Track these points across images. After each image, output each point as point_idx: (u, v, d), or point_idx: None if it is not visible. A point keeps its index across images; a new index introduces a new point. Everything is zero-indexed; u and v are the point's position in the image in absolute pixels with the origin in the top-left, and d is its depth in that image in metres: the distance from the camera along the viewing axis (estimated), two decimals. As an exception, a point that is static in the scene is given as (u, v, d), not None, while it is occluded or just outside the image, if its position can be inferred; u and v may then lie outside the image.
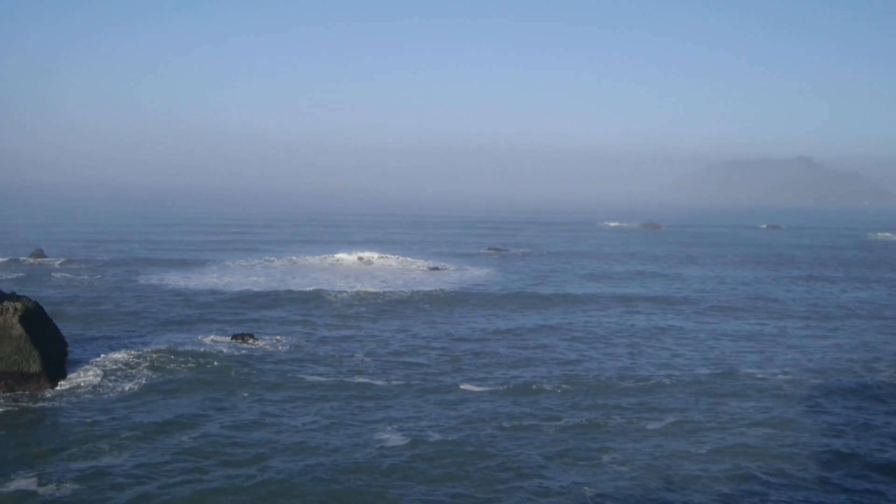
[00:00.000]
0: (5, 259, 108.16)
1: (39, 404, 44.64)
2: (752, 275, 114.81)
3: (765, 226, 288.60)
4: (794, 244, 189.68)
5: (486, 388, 49.60)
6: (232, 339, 61.42)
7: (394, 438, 40.19)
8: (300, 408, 44.87)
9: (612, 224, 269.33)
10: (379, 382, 50.51)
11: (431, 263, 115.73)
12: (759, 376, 53.58)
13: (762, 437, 41.31)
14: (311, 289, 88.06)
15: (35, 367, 47.83)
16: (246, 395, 47.05)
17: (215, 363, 53.86)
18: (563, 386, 50.06)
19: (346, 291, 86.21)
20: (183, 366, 52.77)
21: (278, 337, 63.14)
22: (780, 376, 53.71)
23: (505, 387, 49.89)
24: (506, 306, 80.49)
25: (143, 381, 49.02)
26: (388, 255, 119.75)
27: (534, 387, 49.88)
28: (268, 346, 59.88)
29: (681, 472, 36.38)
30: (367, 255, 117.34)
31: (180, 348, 57.99)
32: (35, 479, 33.83)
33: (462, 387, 49.93)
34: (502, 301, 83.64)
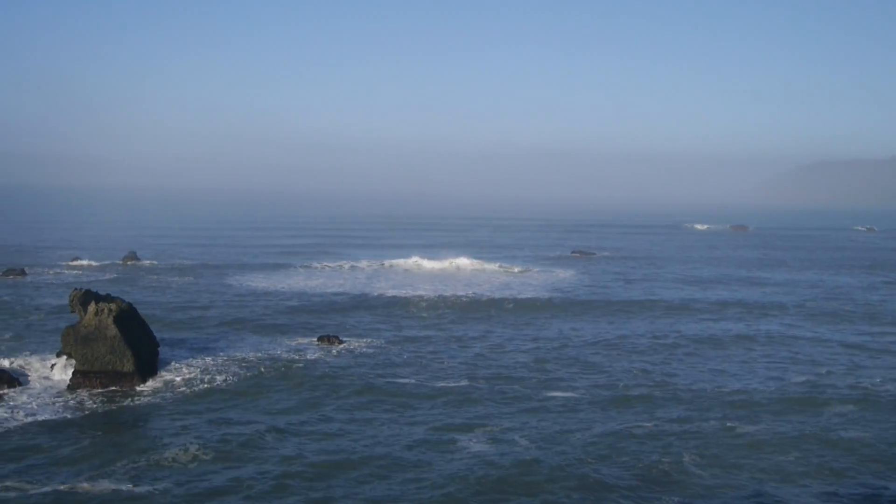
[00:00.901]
0: (100, 261, 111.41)
1: (131, 403, 45.46)
2: (849, 280, 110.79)
3: (863, 228, 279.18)
4: (891, 247, 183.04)
5: (575, 395, 48.65)
6: (318, 341, 61.76)
7: (479, 445, 39.63)
8: (384, 412, 44.63)
9: (700, 226, 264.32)
10: (464, 385, 50.05)
11: (516, 267, 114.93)
12: (864, 386, 51.38)
13: (856, 456, 39.54)
14: (398, 292, 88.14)
15: (128, 366, 48.79)
16: (331, 397, 47.04)
17: (301, 365, 54.15)
18: (655, 394, 48.64)
19: (431, 295, 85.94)
20: (270, 368, 53.14)
21: (364, 340, 63.24)
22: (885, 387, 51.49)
23: (593, 394, 48.86)
24: (592, 311, 79.11)
25: (231, 383, 49.49)
26: (473, 259, 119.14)
27: (623, 394, 48.71)
28: (354, 349, 60.01)
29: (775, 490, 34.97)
30: (453, 260, 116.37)
31: (267, 350, 58.54)
32: (128, 478, 34.28)
33: (549, 393, 49.09)
34: (588, 305, 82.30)
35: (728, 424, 42.62)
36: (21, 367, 51.57)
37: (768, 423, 43.10)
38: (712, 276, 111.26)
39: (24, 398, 45.47)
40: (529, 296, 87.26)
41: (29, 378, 49.47)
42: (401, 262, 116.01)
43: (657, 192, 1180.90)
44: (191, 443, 38.53)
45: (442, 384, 50.29)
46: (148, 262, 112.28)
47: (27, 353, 55.31)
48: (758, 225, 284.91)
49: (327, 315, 73.80)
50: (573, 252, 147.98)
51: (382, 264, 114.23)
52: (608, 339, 65.52)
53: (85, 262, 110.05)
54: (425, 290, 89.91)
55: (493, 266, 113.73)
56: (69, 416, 42.72)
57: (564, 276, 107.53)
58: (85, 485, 33.41)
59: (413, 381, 50.77)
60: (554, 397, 47.77)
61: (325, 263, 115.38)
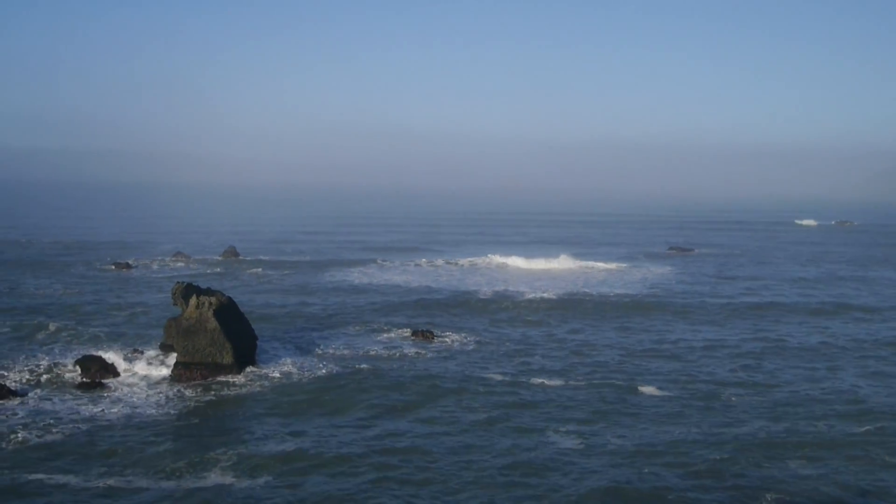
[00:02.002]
0: (202, 256, 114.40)
1: (231, 395, 46.36)
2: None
3: None
4: None
5: (670, 394, 47.63)
6: (413, 335, 61.99)
7: (568, 441, 39.27)
8: (476, 406, 44.45)
9: (807, 222, 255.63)
10: (557, 383, 49.50)
11: (612, 263, 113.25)
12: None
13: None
14: (493, 289, 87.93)
15: (227, 358, 49.79)
16: (424, 391, 47.11)
17: (397, 362, 54.46)
18: (756, 399, 47.14)
19: (527, 291, 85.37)
20: (367, 363, 53.54)
21: (458, 335, 63.21)
22: None
23: (689, 393, 47.74)
24: (690, 309, 77.30)
25: (329, 378, 49.97)
26: (569, 255, 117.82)
27: (720, 395, 47.47)
28: (449, 345, 60.05)
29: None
30: (550, 259, 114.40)
31: (363, 346, 59.08)
32: (229, 470, 34.94)
33: (642, 389, 48.22)
34: (685, 304, 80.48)
35: (836, 430, 41.16)
36: (125, 357, 53.16)
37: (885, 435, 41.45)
38: (817, 275, 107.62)
39: (126, 389, 46.84)
40: (625, 293, 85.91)
41: (132, 369, 50.94)
42: (497, 258, 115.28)
43: (764, 188, 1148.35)
44: (289, 436, 39.05)
45: (539, 381, 49.89)
46: (248, 257, 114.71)
47: (131, 344, 57.03)
48: (867, 221, 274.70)
49: (423, 310, 73.98)
50: (670, 248, 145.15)
51: (479, 261, 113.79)
52: (707, 339, 63.97)
53: (187, 257, 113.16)
54: (521, 287, 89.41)
55: (589, 263, 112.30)
56: (170, 407, 43.80)
57: (661, 273, 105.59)
58: (186, 476, 34.16)
59: (508, 378, 50.45)
60: (649, 397, 46.86)
61: (422, 260, 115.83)
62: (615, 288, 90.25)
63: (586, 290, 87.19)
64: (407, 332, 63.30)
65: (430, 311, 74.07)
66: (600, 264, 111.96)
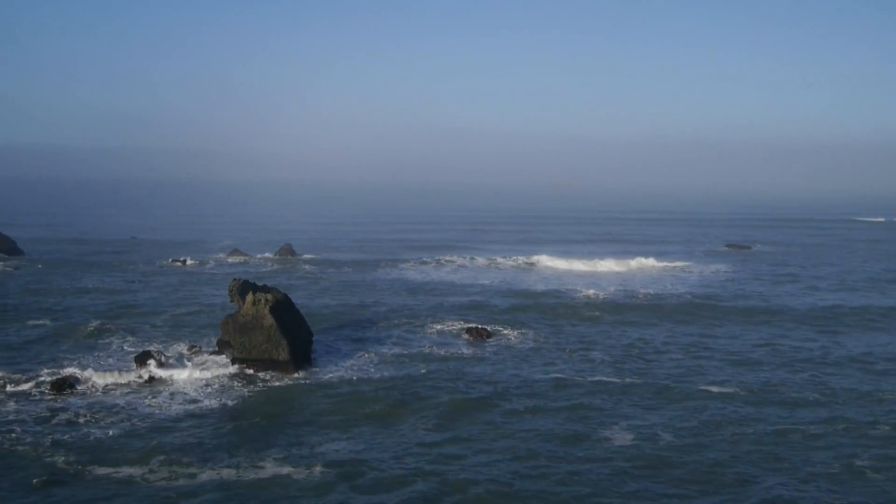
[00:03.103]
0: (258, 253, 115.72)
1: (286, 391, 46.82)
2: None
3: None
4: None
5: (729, 390, 47.06)
6: (467, 334, 61.99)
7: (622, 437, 39.07)
8: (533, 402, 44.30)
9: (873, 219, 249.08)
10: (614, 380, 49.18)
11: (667, 262, 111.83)
12: None
13: None
14: (545, 286, 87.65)
15: (283, 354, 50.26)
16: (477, 388, 47.10)
17: (452, 359, 54.53)
18: (816, 397, 46.39)
19: (580, 290, 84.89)
20: (420, 361, 53.73)
21: (514, 333, 63.07)
22: None
23: (749, 391, 47.08)
24: (748, 310, 76.08)
25: (383, 377, 50.20)
26: (619, 253, 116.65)
27: (782, 394, 46.74)
28: (503, 343, 59.95)
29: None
30: (600, 258, 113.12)
31: (419, 344, 59.26)
32: (286, 463, 35.34)
33: (702, 387, 47.68)
34: (745, 303, 79.33)
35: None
36: (183, 353, 54.05)
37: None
38: (883, 276, 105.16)
39: (184, 384, 47.54)
40: (683, 292, 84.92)
41: (190, 364, 51.72)
42: (547, 257, 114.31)
43: (818, 184, 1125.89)
44: (343, 434, 39.32)
45: (594, 378, 49.62)
46: (304, 255, 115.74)
47: (188, 339, 57.93)
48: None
49: (477, 308, 73.87)
50: (727, 245, 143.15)
51: (531, 259, 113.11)
52: (765, 339, 62.93)
53: (244, 254, 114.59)
54: (575, 285, 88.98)
55: (643, 261, 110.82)
56: (227, 402, 44.36)
57: (718, 270, 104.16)
58: (244, 468, 34.60)
59: (564, 376, 50.21)
60: (704, 396, 46.25)
61: (474, 257, 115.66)
62: (671, 286, 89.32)
63: (642, 289, 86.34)
64: (461, 329, 63.31)
65: (484, 308, 73.92)
66: (655, 262, 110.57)
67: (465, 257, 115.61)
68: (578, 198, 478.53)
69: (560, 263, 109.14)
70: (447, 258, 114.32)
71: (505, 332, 63.60)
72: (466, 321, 66.73)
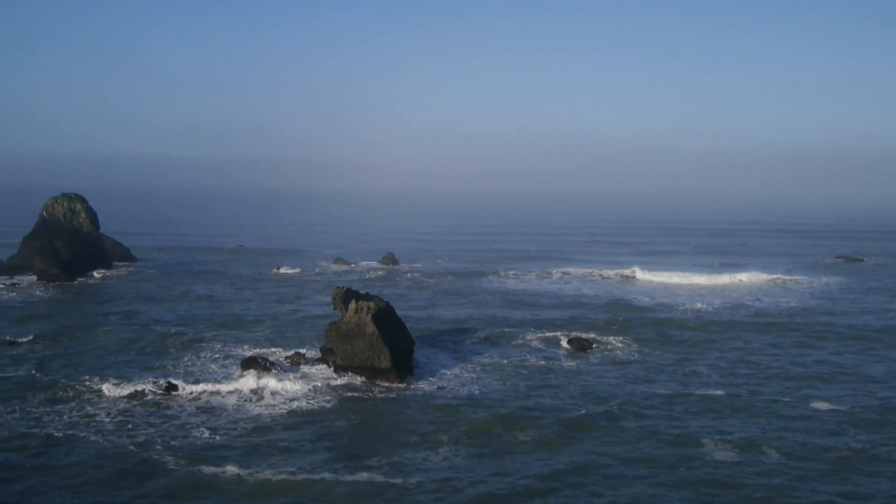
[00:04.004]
0: (360, 262, 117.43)
1: (387, 398, 47.26)
2: None
3: None
4: None
5: (842, 408, 45.43)
6: (569, 344, 61.56)
7: (723, 452, 38.25)
8: (635, 414, 43.66)
9: None
10: (720, 393, 48.09)
11: (775, 275, 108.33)
12: None
13: None
14: (646, 298, 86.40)
15: (385, 362, 50.78)
16: (581, 401, 46.67)
17: (555, 370, 54.22)
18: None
19: (682, 303, 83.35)
20: (522, 373, 53.60)
21: (615, 345, 62.35)
22: None
23: (863, 408, 45.36)
24: (862, 325, 73.25)
25: (482, 382, 50.36)
26: (726, 267, 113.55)
27: (887, 419, 44.78)
28: (605, 354, 59.31)
29: None
30: (709, 274, 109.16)
31: (518, 353, 59.14)
32: (382, 470, 35.68)
33: (812, 405, 46.17)
34: (856, 318, 76.54)
35: None
36: (287, 359, 55.15)
37: None
38: None
39: (288, 389, 48.39)
40: (791, 305, 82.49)
41: (294, 370, 52.78)
42: (645, 271, 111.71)
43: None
44: (439, 438, 39.43)
45: (700, 391, 48.65)
46: (406, 263, 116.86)
47: (293, 346, 59.08)
48: None
49: (578, 319, 73.19)
50: (838, 257, 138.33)
51: (631, 271, 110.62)
52: (882, 356, 60.51)
53: (347, 263, 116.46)
54: (676, 298, 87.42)
55: (750, 275, 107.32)
56: (328, 408, 45.06)
57: (829, 284, 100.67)
58: (341, 474, 35.05)
59: (669, 391, 49.34)
60: (812, 413, 44.77)
61: (575, 268, 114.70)
62: (780, 299, 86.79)
63: (749, 302, 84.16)
64: (562, 339, 62.85)
65: (584, 319, 73.20)
66: (762, 275, 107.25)
67: (565, 268, 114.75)
68: (682, 207, 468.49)
69: (663, 276, 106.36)
70: (547, 268, 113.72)
71: (606, 343, 62.90)
72: (567, 331, 66.25)
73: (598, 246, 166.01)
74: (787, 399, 47.39)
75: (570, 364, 56.09)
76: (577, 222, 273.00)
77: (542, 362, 56.35)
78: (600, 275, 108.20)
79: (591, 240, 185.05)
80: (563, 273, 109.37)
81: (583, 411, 44.50)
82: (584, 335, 64.11)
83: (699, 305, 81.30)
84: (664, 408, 45.47)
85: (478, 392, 48.52)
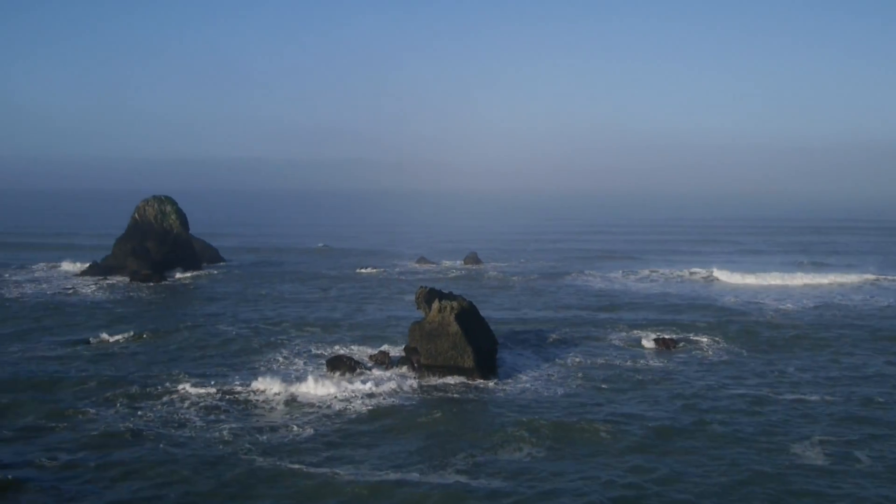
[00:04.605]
0: (445, 262, 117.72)
1: (471, 397, 47.09)
2: None
3: None
4: None
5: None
6: (655, 343, 60.46)
7: (812, 455, 37.14)
8: (723, 418, 42.56)
9: None
10: (813, 398, 46.55)
11: (867, 275, 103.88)
12: None
13: None
14: (736, 299, 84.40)
15: (468, 362, 50.63)
16: (668, 404, 45.80)
17: (641, 370, 53.34)
18: None
19: (771, 302, 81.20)
20: (607, 373, 52.91)
21: (702, 345, 61.01)
22: None
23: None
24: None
25: (566, 383, 49.84)
26: (816, 266, 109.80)
27: None
28: (692, 354, 58.08)
29: None
30: (797, 273, 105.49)
31: (603, 353, 58.44)
32: (465, 471, 35.54)
33: (910, 414, 44.33)
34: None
35: None
36: (372, 357, 55.38)
37: None
38: None
39: (372, 388, 48.59)
40: (883, 305, 79.58)
41: (378, 369, 53.01)
42: (733, 272, 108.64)
43: None
44: (523, 439, 38.99)
45: (790, 396, 47.17)
46: (489, 263, 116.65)
47: (377, 345, 59.31)
48: None
49: (663, 318, 71.95)
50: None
51: (719, 272, 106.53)
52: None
53: (430, 262, 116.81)
54: (764, 297, 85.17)
55: (838, 276, 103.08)
56: (413, 407, 45.12)
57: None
58: (427, 473, 35.05)
59: (758, 392, 47.99)
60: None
61: (659, 268, 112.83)
62: (872, 298, 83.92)
63: (840, 302, 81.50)
64: (648, 339, 61.73)
65: (669, 319, 71.87)
66: (853, 275, 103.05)
67: (650, 267, 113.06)
68: (778, 205, 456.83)
69: (749, 277, 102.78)
70: (631, 268, 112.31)
71: (692, 343, 61.59)
72: (652, 331, 65.12)
73: (684, 245, 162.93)
74: (881, 400, 45.68)
75: (655, 364, 55.04)
76: (664, 221, 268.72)
77: (628, 362, 55.47)
78: (683, 274, 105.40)
79: (676, 238, 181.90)
80: (648, 272, 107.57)
81: (670, 415, 43.68)
82: (669, 335, 62.88)
83: (788, 306, 79.04)
84: (754, 411, 44.19)
85: (562, 392, 47.98)
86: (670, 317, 72.94)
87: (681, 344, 60.89)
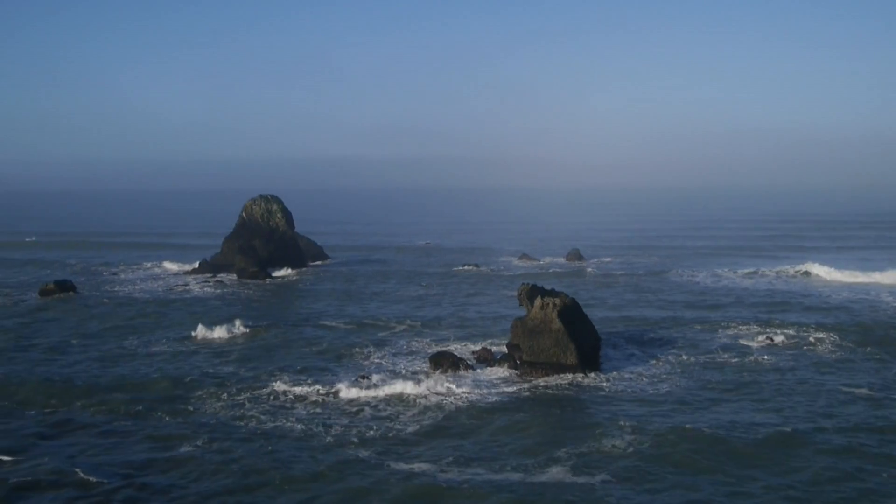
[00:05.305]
0: (546, 258, 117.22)
1: (574, 395, 46.70)
2: None
3: None
4: None
5: None
6: (762, 343, 58.90)
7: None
8: (839, 425, 40.89)
9: None
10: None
11: None
12: None
13: None
14: (850, 295, 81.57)
15: (571, 359, 50.20)
16: (779, 405, 44.43)
17: (745, 367, 52.03)
18: None
19: (890, 301, 77.98)
20: (710, 368, 51.94)
21: (813, 342, 59.04)
22: None
23: None
24: None
25: (671, 381, 48.98)
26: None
27: None
28: (806, 352, 56.22)
29: None
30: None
31: (707, 347, 57.27)
32: (569, 466, 35.22)
33: None
34: None
35: None
36: (474, 353, 55.43)
37: None
38: None
39: (475, 384, 48.71)
40: None
41: (480, 366, 53.04)
42: (851, 265, 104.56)
43: None
44: (630, 446, 38.23)
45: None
46: (591, 258, 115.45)
47: (480, 341, 59.35)
48: None
49: (769, 315, 69.89)
50: None
51: (824, 268, 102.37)
52: None
53: (532, 259, 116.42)
54: (879, 294, 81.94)
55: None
56: (516, 404, 44.96)
57: None
58: (530, 471, 34.87)
59: (874, 392, 46.15)
60: None
61: (773, 265, 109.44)
62: None
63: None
64: (756, 338, 60.08)
65: (778, 317, 69.72)
66: None
67: (759, 264, 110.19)
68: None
69: (863, 276, 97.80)
70: (739, 265, 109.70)
71: (804, 342, 59.51)
72: (760, 328, 63.36)
73: (795, 240, 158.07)
74: None
75: (765, 363, 53.29)
76: (773, 216, 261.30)
77: (735, 359, 54.08)
78: (792, 271, 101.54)
79: (787, 234, 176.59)
80: (756, 269, 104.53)
81: (782, 418, 42.14)
82: (778, 333, 61.03)
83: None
84: (874, 418, 42.03)
85: (666, 390, 47.12)
86: (779, 315, 70.74)
87: (791, 342, 59.01)
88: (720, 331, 63.65)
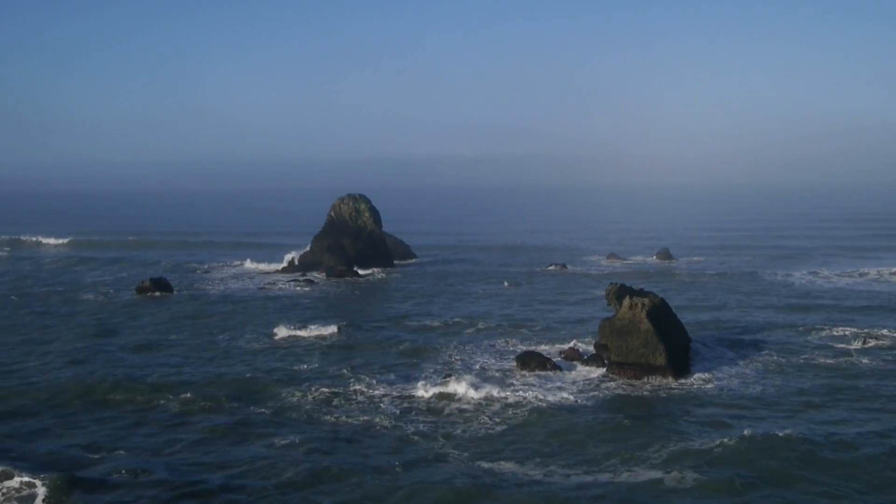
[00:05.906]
0: (635, 258, 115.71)
1: (663, 396, 45.99)
2: None
3: None
4: None
5: None
6: (860, 344, 57.00)
7: None
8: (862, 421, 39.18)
9: None
10: None
11: None
12: None
13: None
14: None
15: (660, 360, 49.32)
16: (880, 409, 42.87)
17: (842, 370, 50.49)
18: None
19: None
20: (805, 370, 50.60)
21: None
22: None
23: None
24: None
25: (764, 383, 47.89)
26: None
27: None
28: (894, 355, 54.05)
29: None
30: None
31: (801, 349, 55.99)
32: (660, 468, 34.68)
33: None
34: None
35: None
36: (562, 353, 54.96)
37: None
38: None
39: (563, 385, 48.34)
40: None
41: (569, 365, 52.64)
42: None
43: None
44: (717, 445, 37.24)
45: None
46: (681, 258, 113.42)
47: (567, 341, 58.75)
48: None
49: (867, 321, 67.49)
50: None
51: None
52: None
53: (620, 258, 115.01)
54: None
55: None
56: (604, 405, 44.58)
57: None
58: (619, 472, 34.50)
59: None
60: None
61: (874, 266, 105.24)
62: None
63: None
64: (854, 340, 58.20)
65: (877, 319, 67.45)
66: None
67: (857, 266, 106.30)
68: None
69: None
70: (835, 265, 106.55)
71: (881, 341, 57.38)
72: (858, 330, 61.18)
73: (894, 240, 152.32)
74: None
75: (863, 368, 51.44)
76: (875, 215, 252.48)
77: (830, 360, 52.44)
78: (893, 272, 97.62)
79: (889, 233, 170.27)
80: (854, 270, 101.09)
81: (882, 426, 40.24)
82: (876, 336, 58.85)
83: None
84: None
85: (759, 392, 46.01)
86: (879, 318, 68.33)
87: (892, 346, 56.80)
88: (815, 333, 61.74)
